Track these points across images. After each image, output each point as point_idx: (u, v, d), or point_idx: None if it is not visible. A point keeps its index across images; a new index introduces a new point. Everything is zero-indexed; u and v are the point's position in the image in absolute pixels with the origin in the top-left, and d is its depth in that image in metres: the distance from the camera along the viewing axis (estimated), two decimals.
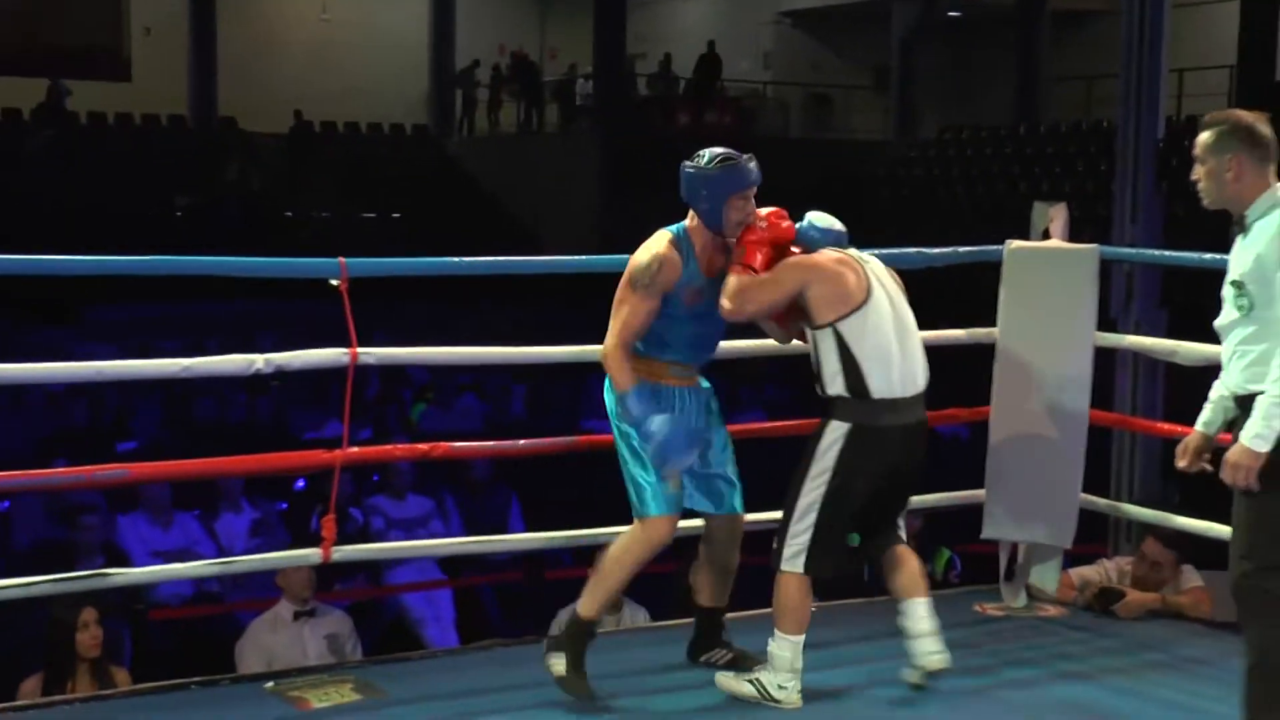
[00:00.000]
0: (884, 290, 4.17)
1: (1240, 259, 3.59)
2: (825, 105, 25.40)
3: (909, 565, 4.31)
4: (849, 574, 5.18)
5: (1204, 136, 3.70)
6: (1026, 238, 5.28)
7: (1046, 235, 5.24)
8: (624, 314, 4.16)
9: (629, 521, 4.29)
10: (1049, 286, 5.12)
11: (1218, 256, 5.27)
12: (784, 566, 4.17)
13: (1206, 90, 19.09)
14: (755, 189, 4.17)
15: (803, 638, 4.18)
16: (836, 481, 4.13)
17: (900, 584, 4.29)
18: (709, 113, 22.96)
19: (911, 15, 23.13)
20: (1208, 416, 3.79)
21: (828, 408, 4.16)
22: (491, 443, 5.50)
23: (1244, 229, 3.61)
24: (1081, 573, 5.41)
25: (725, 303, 4.13)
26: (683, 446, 4.07)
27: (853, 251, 4.27)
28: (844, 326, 4.09)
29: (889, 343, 4.12)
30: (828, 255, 4.19)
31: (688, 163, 4.17)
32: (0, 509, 8.16)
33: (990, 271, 5.26)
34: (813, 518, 4.13)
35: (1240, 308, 3.56)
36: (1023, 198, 12.70)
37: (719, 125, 22.97)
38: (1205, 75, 19.29)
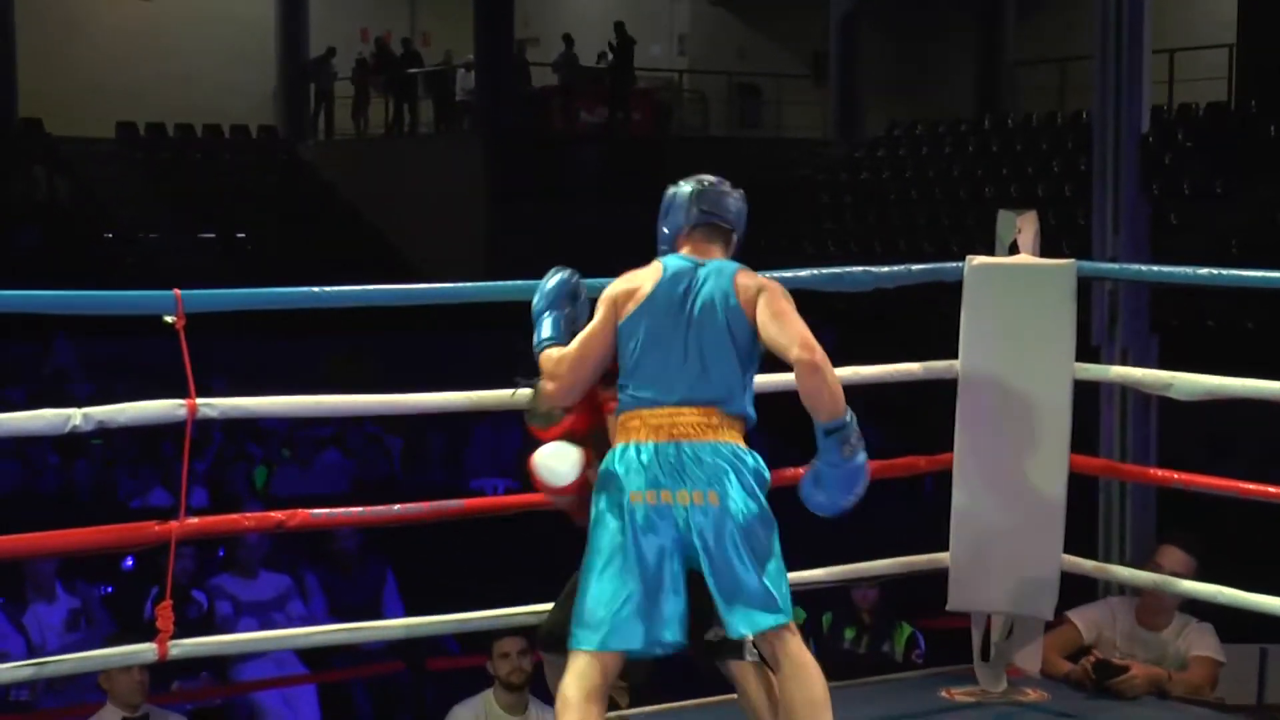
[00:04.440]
0: None
1: None
2: (753, 97, 25.59)
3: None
4: None
5: None
6: (991, 252, 5.36)
7: (1015, 249, 5.31)
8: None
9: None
10: (1018, 310, 5.18)
11: (1216, 271, 5.41)
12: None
13: (1203, 74, 19.46)
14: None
15: None
16: None
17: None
18: (614, 108, 23.06)
19: None
20: None
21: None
22: (360, 508, 5.47)
23: None
24: (1085, 617, 5.53)
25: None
26: None
27: None
28: None
29: None
30: None
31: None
32: None
33: (950, 293, 5.33)
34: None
35: None
36: (987, 205, 12.87)
37: (627, 122, 23.08)
38: (1200, 57, 19.65)
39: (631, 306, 4.15)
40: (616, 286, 4.21)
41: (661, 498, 3.98)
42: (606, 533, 4.00)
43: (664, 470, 4.00)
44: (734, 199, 4.32)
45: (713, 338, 4.11)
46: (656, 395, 4.07)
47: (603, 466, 4.07)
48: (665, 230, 4.30)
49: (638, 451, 4.02)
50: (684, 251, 4.24)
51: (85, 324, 14.04)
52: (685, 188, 4.31)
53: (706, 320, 4.12)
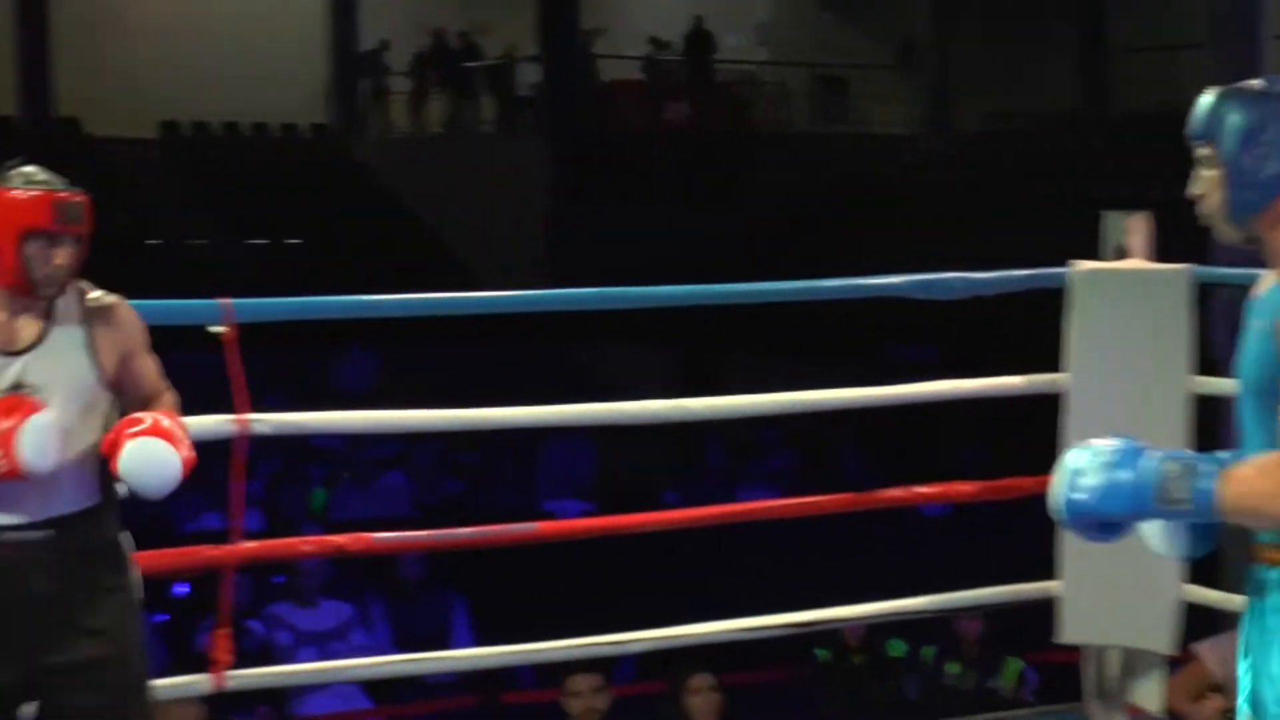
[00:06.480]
0: None
1: None
2: (838, 91, 25.53)
3: None
4: None
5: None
6: (1097, 257, 5.35)
7: (1124, 253, 5.31)
8: None
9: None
10: (1129, 319, 5.19)
11: None
12: None
13: None
14: None
15: None
16: None
17: None
18: (687, 103, 23.05)
19: None
20: None
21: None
22: (428, 532, 5.51)
23: None
24: (1216, 650, 5.48)
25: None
26: None
27: None
28: None
29: None
30: None
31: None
32: None
33: (1054, 301, 5.32)
34: None
35: None
36: (1092, 205, 12.76)
37: (703, 118, 23.08)
38: None
39: None
40: None
41: None
42: None
43: None
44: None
45: None
46: None
47: None
48: (1264, 181, 2.81)
49: None
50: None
51: None
52: None
53: None
